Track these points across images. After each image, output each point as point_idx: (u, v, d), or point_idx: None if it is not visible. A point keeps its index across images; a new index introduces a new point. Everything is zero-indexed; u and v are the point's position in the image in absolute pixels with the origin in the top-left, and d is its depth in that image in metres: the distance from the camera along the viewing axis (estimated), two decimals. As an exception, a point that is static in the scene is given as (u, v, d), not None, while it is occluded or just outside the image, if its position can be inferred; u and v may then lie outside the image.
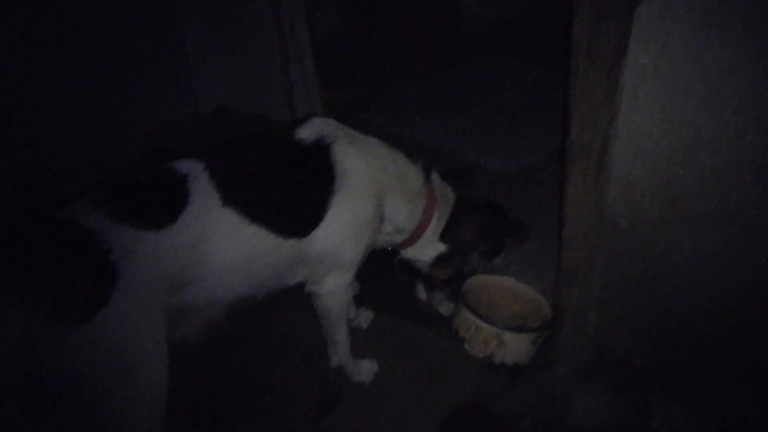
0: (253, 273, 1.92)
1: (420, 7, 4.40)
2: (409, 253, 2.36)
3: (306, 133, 2.00)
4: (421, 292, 2.66)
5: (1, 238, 1.63)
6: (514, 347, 2.35)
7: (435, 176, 2.29)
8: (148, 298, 1.66)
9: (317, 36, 3.59)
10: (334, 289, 2.13)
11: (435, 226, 2.28)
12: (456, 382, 2.35)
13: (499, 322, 2.49)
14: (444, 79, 4.54)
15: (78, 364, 1.56)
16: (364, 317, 2.61)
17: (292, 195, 1.93)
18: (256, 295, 2.04)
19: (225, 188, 1.79)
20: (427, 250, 2.33)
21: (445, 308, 2.64)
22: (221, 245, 1.80)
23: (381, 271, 2.65)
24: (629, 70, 1.84)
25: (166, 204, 1.74)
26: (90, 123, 3.40)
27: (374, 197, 2.06)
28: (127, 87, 3.56)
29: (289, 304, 2.68)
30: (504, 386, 2.33)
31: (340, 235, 2.00)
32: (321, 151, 1.97)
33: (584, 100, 1.87)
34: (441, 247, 2.32)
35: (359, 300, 2.61)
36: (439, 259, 2.36)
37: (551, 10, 3.31)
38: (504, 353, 2.35)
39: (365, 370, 2.35)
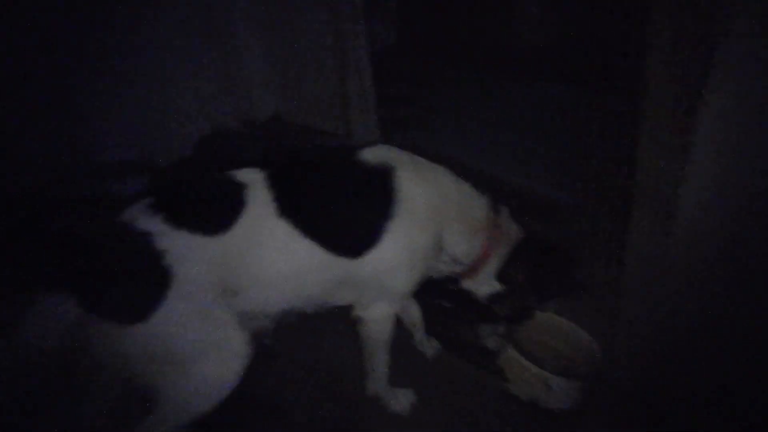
0: (302, 288, 1.93)
1: (474, 26, 4.31)
2: (467, 284, 2.27)
3: (370, 155, 1.97)
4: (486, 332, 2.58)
5: (61, 237, 1.77)
6: (561, 393, 2.23)
7: (504, 211, 2.19)
8: (202, 300, 1.71)
9: (378, 48, 3.55)
10: (380, 317, 2.08)
11: (493, 263, 2.17)
12: (495, 424, 2.26)
13: (546, 363, 2.37)
14: (498, 101, 4.42)
15: (133, 358, 1.67)
16: (430, 345, 2.54)
17: (349, 214, 1.91)
18: (305, 309, 2.05)
19: (282, 199, 1.81)
20: (484, 285, 2.24)
21: (492, 342, 2.54)
22: (273, 256, 1.82)
23: (424, 296, 2.58)
24: (705, 116, 1.72)
25: (223, 211, 1.79)
26: (143, 127, 3.46)
27: (432, 227, 2.00)
28: (180, 92, 3.60)
29: (322, 321, 2.64)
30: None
31: (393, 261, 1.94)
32: (383, 174, 1.93)
33: (654, 145, 1.76)
34: (496, 286, 2.22)
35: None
36: (495, 297, 2.26)
37: (608, 37, 3.18)
38: (549, 398, 2.24)
39: (402, 400, 2.29)
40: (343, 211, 1.91)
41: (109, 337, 1.65)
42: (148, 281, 1.66)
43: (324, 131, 3.77)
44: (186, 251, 1.68)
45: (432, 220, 1.98)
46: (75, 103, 3.21)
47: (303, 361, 2.52)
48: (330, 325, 2.63)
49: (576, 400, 2.27)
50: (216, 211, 1.79)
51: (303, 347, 2.59)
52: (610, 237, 2.20)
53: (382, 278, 1.96)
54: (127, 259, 1.67)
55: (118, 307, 1.63)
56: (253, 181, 1.82)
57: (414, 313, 2.48)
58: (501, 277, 2.19)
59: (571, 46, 4.57)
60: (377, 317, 2.07)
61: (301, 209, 1.84)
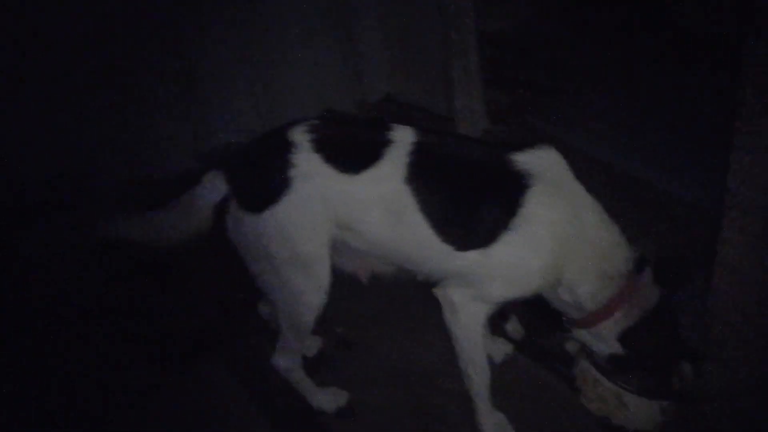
0: (399, 251, 1.98)
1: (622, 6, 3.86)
2: (584, 336, 2.08)
3: (523, 158, 1.88)
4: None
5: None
6: (637, 412, 2.03)
7: (648, 273, 1.97)
8: (313, 218, 1.90)
9: (491, 29, 3.40)
10: (458, 302, 1.95)
11: (617, 322, 1.96)
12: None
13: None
14: (629, 86, 3.98)
15: (245, 243, 1.98)
16: (498, 348, 2.39)
17: (469, 208, 1.88)
18: (403, 271, 2.07)
19: (416, 168, 1.85)
20: (601, 344, 2.03)
21: (572, 345, 2.36)
22: (385, 214, 1.88)
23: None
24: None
25: (360, 155, 1.90)
26: (256, 108, 3.65)
27: (549, 256, 1.86)
28: (299, 74, 3.73)
29: (402, 320, 2.65)
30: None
31: (492, 270, 1.87)
32: (519, 184, 1.83)
33: (748, 148, 1.49)
34: (616, 348, 2.00)
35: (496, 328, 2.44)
36: (615, 360, 2.04)
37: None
38: (624, 416, 2.05)
39: (500, 427, 2.11)
40: (464, 203, 1.87)
41: (237, 217, 1.96)
42: (271, 183, 1.89)
43: (431, 112, 3.72)
44: (312, 172, 1.87)
45: (551, 250, 1.85)
46: (193, 83, 3.46)
47: (382, 358, 2.50)
48: (413, 323, 2.62)
49: (657, 423, 2.05)
50: (355, 153, 1.92)
51: (385, 343, 2.56)
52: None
53: (476, 278, 1.90)
54: (265, 156, 1.96)
55: (243, 192, 1.95)
56: (401, 141, 1.89)
57: None
58: (625, 339, 1.97)
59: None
60: (454, 300, 1.95)
61: (428, 185, 1.86)
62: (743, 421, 1.86)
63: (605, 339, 2.00)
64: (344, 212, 1.91)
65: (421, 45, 3.59)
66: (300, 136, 1.91)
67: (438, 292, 1.99)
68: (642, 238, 2.74)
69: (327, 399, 2.27)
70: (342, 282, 2.14)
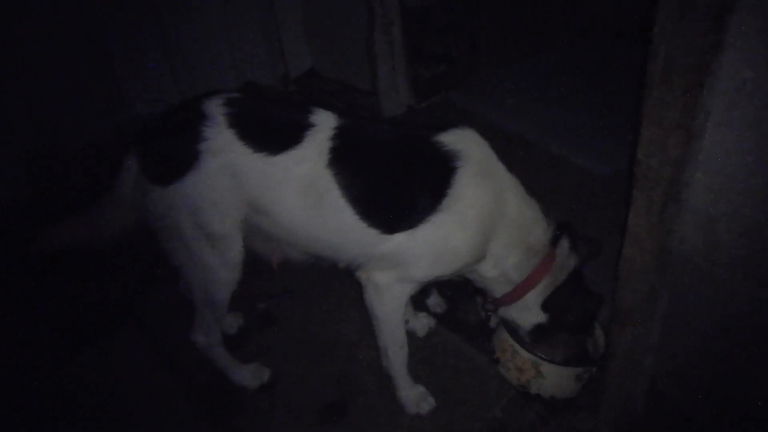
0: (320, 238, 1.90)
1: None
2: (509, 312, 2.11)
3: (448, 139, 1.86)
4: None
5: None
6: (553, 380, 2.10)
7: (564, 243, 2.03)
8: (222, 195, 1.82)
9: (413, 4, 3.37)
10: (382, 285, 1.94)
11: (541, 291, 2.02)
12: (483, 406, 2.16)
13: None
14: (545, 61, 4.10)
15: (155, 217, 1.90)
16: (420, 323, 2.42)
17: (396, 191, 1.85)
18: (321, 258, 2.02)
19: (339, 152, 1.79)
20: (527, 315, 2.07)
21: (494, 320, 2.42)
22: (304, 198, 1.81)
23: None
24: (722, 87, 1.48)
25: (279, 136, 1.82)
26: (175, 81, 3.47)
27: (477, 235, 1.87)
28: (217, 48, 3.58)
29: (323, 295, 2.64)
30: (536, 421, 2.11)
31: (420, 250, 1.85)
32: (447, 166, 1.82)
33: (655, 119, 1.54)
34: (541, 317, 2.05)
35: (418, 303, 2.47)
36: (538, 330, 2.09)
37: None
38: (541, 384, 2.11)
39: (422, 405, 2.13)
40: (392, 186, 1.85)
41: (146, 191, 1.87)
42: (179, 155, 1.81)
43: (355, 88, 3.67)
44: (223, 148, 1.78)
45: (478, 228, 1.86)
46: (109, 52, 3.24)
47: (303, 332, 2.49)
48: (333, 298, 2.62)
49: (572, 390, 2.13)
50: (273, 133, 1.83)
51: (306, 318, 2.55)
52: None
53: (402, 259, 1.87)
54: (175, 127, 1.86)
55: (150, 166, 1.86)
56: (323, 124, 1.82)
57: None
58: (548, 305, 2.03)
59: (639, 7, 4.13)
60: (378, 282, 1.93)
61: (351, 169, 1.80)
62: (645, 377, 1.95)
63: (531, 309, 2.05)
64: (258, 193, 1.83)
65: (343, 19, 3.52)
66: (215, 108, 1.82)
67: (361, 275, 1.97)
68: (557, 209, 2.85)
69: (249, 375, 2.25)
70: (262, 258, 2.10)
